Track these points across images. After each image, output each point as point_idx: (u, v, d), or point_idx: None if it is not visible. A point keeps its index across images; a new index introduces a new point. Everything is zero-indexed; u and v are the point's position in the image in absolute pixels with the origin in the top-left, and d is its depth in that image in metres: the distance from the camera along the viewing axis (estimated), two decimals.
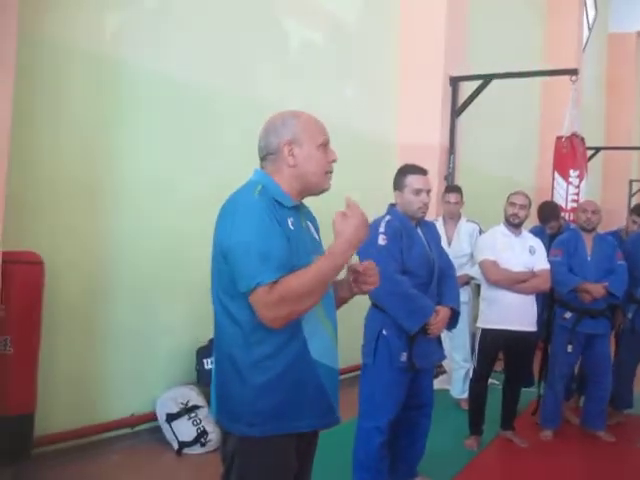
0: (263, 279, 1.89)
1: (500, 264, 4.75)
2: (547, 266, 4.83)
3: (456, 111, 7.08)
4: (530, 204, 4.92)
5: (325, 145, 2.13)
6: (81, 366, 4.15)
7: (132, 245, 4.34)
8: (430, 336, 3.65)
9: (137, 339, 4.41)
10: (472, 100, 7.00)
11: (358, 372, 3.95)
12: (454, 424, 5.09)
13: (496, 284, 4.77)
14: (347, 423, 4.33)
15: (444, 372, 6.22)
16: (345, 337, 5.00)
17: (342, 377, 5.55)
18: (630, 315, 5.42)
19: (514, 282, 4.72)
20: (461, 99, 7.12)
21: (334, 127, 5.77)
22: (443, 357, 4.09)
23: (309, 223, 2.21)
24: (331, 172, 2.16)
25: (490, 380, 4.99)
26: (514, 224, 4.82)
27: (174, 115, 4.63)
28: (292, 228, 2.03)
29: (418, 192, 3.62)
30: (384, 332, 3.62)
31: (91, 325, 4.21)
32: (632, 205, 6.86)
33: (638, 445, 5.05)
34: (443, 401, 5.60)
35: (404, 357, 3.60)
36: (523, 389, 5.12)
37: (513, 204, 4.83)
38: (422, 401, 3.84)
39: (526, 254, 4.80)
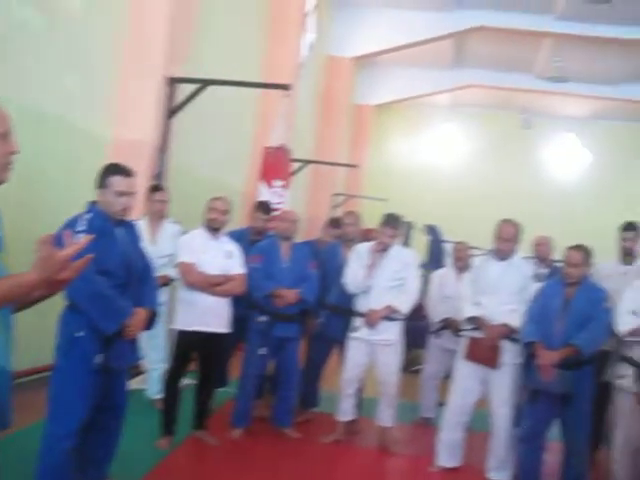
0: None
1: (197, 267, 4.85)
2: (242, 271, 5.02)
3: (171, 111, 7.08)
4: (230, 210, 5.06)
5: (5, 135, 2.00)
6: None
7: None
8: (127, 337, 3.59)
9: None
10: (187, 103, 7.05)
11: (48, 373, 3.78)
12: (148, 425, 5.04)
13: (192, 286, 4.85)
14: (33, 426, 4.16)
15: (141, 372, 6.17)
16: (37, 337, 4.80)
17: (28, 379, 5.35)
18: (321, 320, 5.81)
19: (210, 285, 4.84)
20: (180, 100, 7.14)
21: (48, 116, 5.48)
22: (139, 358, 4.06)
23: None
24: (10, 164, 2.03)
25: (188, 381, 5.06)
26: (213, 228, 4.95)
27: None
28: None
29: (121, 194, 3.53)
30: (79, 333, 3.48)
31: None
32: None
33: (321, 440, 5.42)
34: (139, 401, 5.55)
35: (99, 359, 3.50)
36: (221, 389, 5.26)
37: (213, 209, 4.94)
38: (114, 403, 3.75)
39: (223, 258, 4.94)
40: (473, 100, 15.92)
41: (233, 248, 5.05)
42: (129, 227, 3.82)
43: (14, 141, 2.05)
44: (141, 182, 6.40)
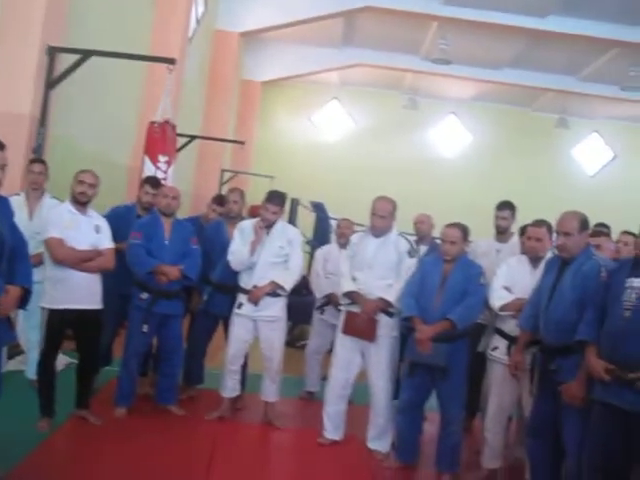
0: None
1: (66, 242, 4.73)
2: (111, 245, 4.94)
3: (51, 82, 6.82)
4: (98, 183, 4.94)
5: None
6: None
7: None
8: None
9: None
10: (69, 73, 6.81)
11: None
12: (27, 407, 4.89)
13: (62, 263, 4.73)
14: None
15: (21, 352, 5.97)
16: None
17: None
18: (205, 297, 5.80)
19: (80, 261, 4.74)
20: (61, 71, 6.88)
21: None
22: (13, 338, 3.94)
23: None
24: None
25: (69, 360, 4.94)
26: (81, 202, 4.84)
27: None
28: None
29: None
30: None
31: None
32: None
33: (206, 417, 5.42)
34: (18, 382, 5.39)
35: None
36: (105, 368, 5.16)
37: (82, 182, 4.84)
38: None
39: (92, 233, 4.85)
40: (361, 79, 16.12)
41: (101, 222, 4.96)
42: (1, 202, 3.68)
43: None
44: (19, 155, 6.19)
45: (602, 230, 5.58)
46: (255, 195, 6.80)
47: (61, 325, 4.78)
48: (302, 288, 6.25)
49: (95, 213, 5.00)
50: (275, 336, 5.44)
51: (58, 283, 4.74)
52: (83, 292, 4.76)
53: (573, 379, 3.86)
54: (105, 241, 4.90)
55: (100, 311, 4.92)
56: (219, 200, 6.29)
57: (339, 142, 16.23)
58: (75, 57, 6.82)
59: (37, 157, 6.13)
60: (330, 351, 5.93)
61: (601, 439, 3.61)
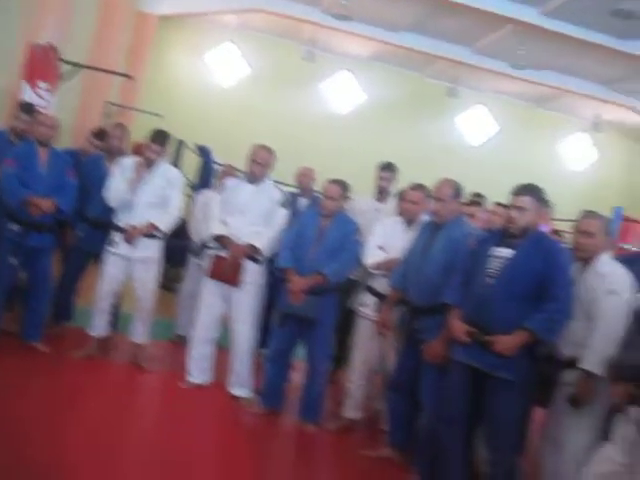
0: None
1: None
2: None
3: None
4: None
5: None
6: None
7: None
8: None
9: None
10: None
11: None
12: None
13: None
14: None
15: None
16: None
17: None
18: (80, 233, 5.63)
19: None
20: None
21: None
22: None
23: None
24: None
25: None
26: None
27: None
28: None
29: None
30: None
31: None
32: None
33: (73, 355, 5.31)
34: None
35: None
36: None
37: None
38: None
39: None
40: (260, 25, 15.82)
41: None
42: None
43: None
44: None
45: (477, 200, 5.82)
46: (140, 133, 6.59)
47: None
48: (179, 231, 6.16)
49: None
50: (149, 277, 5.39)
51: None
52: None
53: (435, 338, 4.05)
54: None
55: None
56: (99, 134, 6.08)
57: (233, 87, 15.91)
58: None
59: None
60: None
61: (454, 393, 3.85)
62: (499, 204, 5.31)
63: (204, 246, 6.28)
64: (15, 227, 5.00)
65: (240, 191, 5.16)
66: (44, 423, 4.06)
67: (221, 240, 5.10)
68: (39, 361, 5.12)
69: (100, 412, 4.50)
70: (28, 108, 5.58)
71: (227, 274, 5.04)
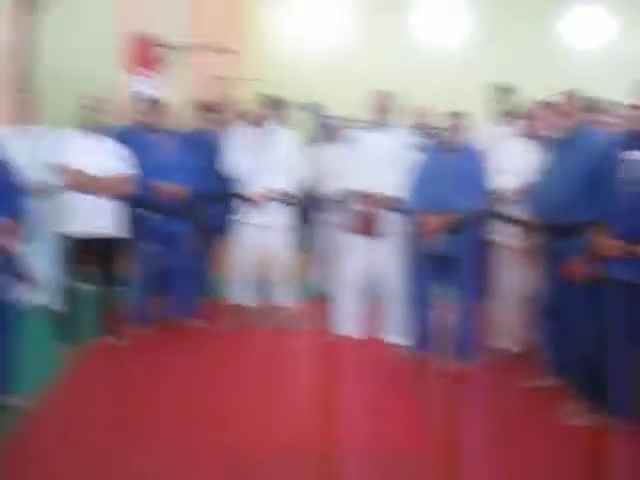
0: None
1: (77, 168, 4.70)
2: (127, 169, 4.88)
3: (27, 6, 6.56)
4: (102, 107, 4.87)
5: None
6: None
7: None
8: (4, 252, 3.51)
9: None
10: None
11: None
12: (49, 336, 5.00)
13: (74, 189, 4.74)
14: None
15: (34, 284, 5.98)
16: None
17: None
18: (207, 209, 5.73)
19: (91, 186, 4.73)
20: None
21: None
22: (19, 273, 3.94)
23: None
24: None
25: (87, 286, 4.98)
26: (88, 127, 4.82)
27: None
28: None
29: None
30: None
31: None
32: None
33: (224, 327, 5.48)
34: (35, 313, 5.42)
35: None
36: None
37: (86, 107, 4.79)
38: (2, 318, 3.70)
39: (102, 157, 4.81)
40: None
41: (112, 146, 4.86)
42: None
43: None
44: (7, 88, 6.03)
45: (597, 105, 5.45)
46: (249, 101, 6.59)
47: (77, 251, 4.79)
48: (306, 190, 6.16)
49: (105, 137, 4.91)
50: (282, 241, 5.49)
51: (70, 210, 4.72)
52: (98, 217, 4.75)
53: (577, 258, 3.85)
54: (118, 165, 4.81)
55: (117, 237, 4.89)
56: (207, 107, 6.03)
57: (326, 34, 15.68)
58: None
59: (23, 86, 5.96)
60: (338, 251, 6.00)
61: (611, 313, 3.64)
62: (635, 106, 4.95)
63: (334, 202, 6.27)
64: (151, 215, 5.18)
65: (366, 140, 5.07)
66: (213, 394, 4.27)
67: (355, 193, 5.04)
68: (194, 336, 5.34)
69: (257, 378, 4.65)
70: (141, 98, 5.72)
71: (366, 227, 5.01)
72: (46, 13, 6.80)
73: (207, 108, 6.06)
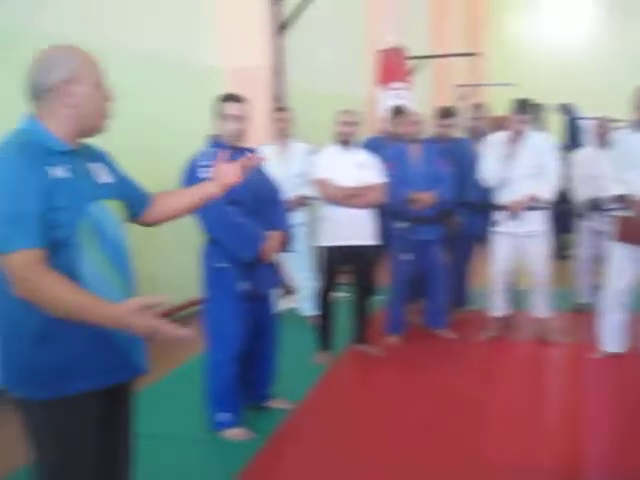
0: (10, 246, 1.78)
1: (332, 181, 4.82)
2: (380, 180, 4.93)
3: (280, 29, 6.96)
4: (359, 121, 4.96)
5: (98, 84, 1.99)
6: None
7: None
8: (265, 262, 3.69)
9: None
10: (296, 16, 6.90)
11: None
12: (305, 342, 5.19)
13: (330, 201, 4.85)
14: (196, 358, 4.39)
15: (291, 292, 6.29)
16: (187, 272, 5.00)
17: (189, 311, 5.62)
18: (462, 219, 5.69)
19: (346, 198, 4.80)
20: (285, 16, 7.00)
21: (150, 56, 5.49)
22: (280, 281, 4.14)
23: (96, 165, 2.06)
24: (107, 111, 2.03)
25: (340, 294, 5.13)
26: (342, 141, 4.88)
27: None
28: (64, 175, 1.88)
29: (230, 119, 3.60)
30: (219, 264, 3.63)
31: None
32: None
33: (478, 338, 5.38)
34: (293, 320, 5.73)
35: (242, 286, 3.63)
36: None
37: (340, 122, 4.87)
38: (265, 327, 3.91)
39: (357, 169, 4.87)
40: None
41: (366, 158, 4.97)
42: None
43: (108, 89, 2.04)
44: (262, 106, 6.44)
45: None
46: (497, 107, 6.45)
47: (333, 261, 4.94)
48: (561, 196, 5.86)
49: (359, 150, 5.05)
50: (540, 250, 5.21)
51: (328, 221, 4.91)
52: (355, 228, 4.85)
53: None
54: (372, 176, 4.91)
55: (372, 246, 4.99)
56: (445, 113, 6.00)
57: (576, 32, 14.93)
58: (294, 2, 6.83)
59: (280, 105, 6.33)
60: (599, 259, 5.65)
61: None
62: None
63: (592, 207, 5.91)
64: (402, 224, 5.22)
65: (631, 142, 4.69)
66: (471, 403, 4.16)
67: (623, 199, 4.69)
68: (447, 347, 5.29)
69: (516, 389, 4.47)
70: (395, 110, 5.82)
71: (637, 234, 4.63)
72: (297, 35, 7.14)
73: (446, 115, 6.00)
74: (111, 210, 2.03)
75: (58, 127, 1.93)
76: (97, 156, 2.10)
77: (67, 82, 1.91)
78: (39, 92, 1.93)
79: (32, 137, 1.89)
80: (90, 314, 1.79)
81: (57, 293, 1.78)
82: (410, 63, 8.18)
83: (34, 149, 1.86)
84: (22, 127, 1.94)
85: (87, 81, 1.95)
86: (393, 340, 5.34)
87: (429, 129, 5.66)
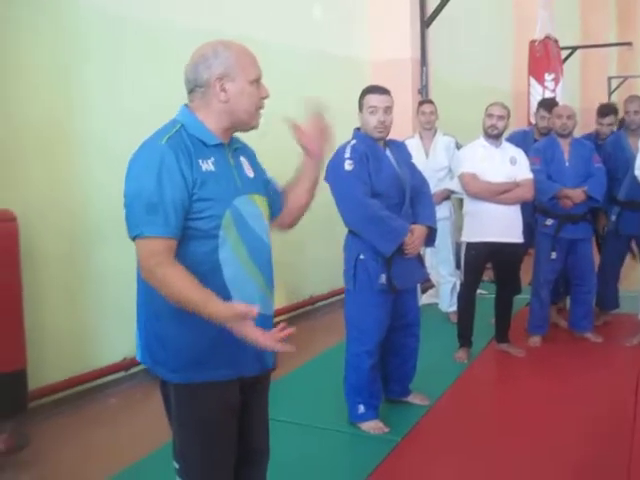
0: (144, 231, 1.84)
1: (480, 176, 4.71)
2: (530, 175, 4.77)
3: (426, 22, 6.90)
4: (509, 114, 4.82)
5: (258, 80, 2.02)
6: (68, 316, 4.14)
7: (102, 192, 4.21)
8: (408, 256, 3.64)
9: (121, 282, 4.10)
10: (442, 9, 6.82)
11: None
12: (444, 338, 5.14)
13: (476, 196, 4.74)
14: (337, 347, 4.44)
15: (432, 287, 6.25)
16: (328, 263, 5.09)
17: (328, 302, 5.70)
18: (613, 217, 5.41)
19: (495, 194, 4.67)
20: (430, 8, 6.95)
21: (303, 49, 5.64)
22: (424, 276, 4.10)
23: (243, 159, 2.10)
24: (262, 109, 2.05)
25: (479, 291, 5.03)
26: (493, 135, 4.74)
27: (149, 57, 4.50)
28: (213, 168, 1.94)
29: (373, 110, 3.58)
30: (361, 256, 3.62)
31: (72, 273, 4.19)
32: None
33: (626, 343, 5.12)
34: (432, 315, 5.68)
35: (383, 279, 3.60)
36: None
37: (491, 115, 4.72)
38: (408, 321, 3.88)
39: (507, 165, 4.73)
40: None
41: (516, 153, 4.81)
42: (397, 146, 3.83)
43: (265, 86, 2.06)
44: (408, 99, 6.42)
45: None
46: None
47: (478, 258, 4.83)
48: None
49: (509, 144, 4.92)
50: None
51: (475, 216, 4.77)
52: (500, 225, 4.71)
53: None
54: (522, 172, 4.76)
55: (519, 244, 4.83)
56: (603, 111, 5.75)
57: None
58: None
59: (425, 98, 6.29)
60: None
61: None
62: None
63: None
64: (550, 222, 5.04)
65: None
66: (617, 417, 3.92)
67: None
68: (592, 350, 5.05)
69: None
70: (549, 104, 5.64)
71: None
72: (442, 27, 7.06)
73: (601, 111, 5.76)
74: (255, 204, 2.06)
75: (211, 120, 1.99)
76: (244, 151, 2.15)
77: (221, 78, 1.96)
78: (194, 86, 1.99)
79: (186, 128, 1.95)
80: (202, 312, 1.84)
81: (174, 287, 1.83)
82: (563, 54, 7.87)
83: (187, 140, 1.92)
84: (178, 117, 2.01)
85: (241, 77, 1.98)
86: (535, 341, 5.18)
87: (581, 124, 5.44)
